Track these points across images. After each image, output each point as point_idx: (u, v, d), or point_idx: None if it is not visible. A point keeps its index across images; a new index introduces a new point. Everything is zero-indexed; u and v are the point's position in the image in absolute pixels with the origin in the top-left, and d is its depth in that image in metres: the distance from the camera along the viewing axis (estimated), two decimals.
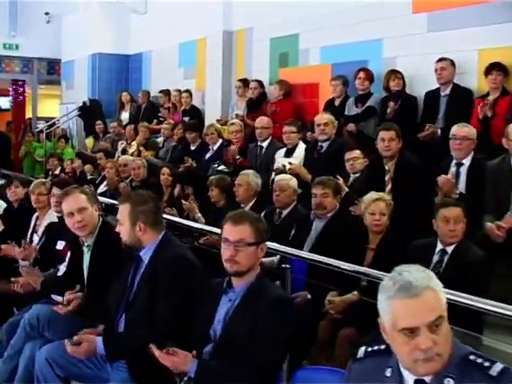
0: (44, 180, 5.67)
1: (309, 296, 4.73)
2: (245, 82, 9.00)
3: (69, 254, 4.47)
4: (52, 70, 14.40)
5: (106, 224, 4.00)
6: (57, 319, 3.74)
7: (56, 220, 5.31)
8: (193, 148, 8.46)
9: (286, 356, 3.20)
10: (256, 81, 8.73)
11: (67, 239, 4.62)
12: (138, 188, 7.42)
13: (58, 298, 4.34)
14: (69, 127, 12.70)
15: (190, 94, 9.91)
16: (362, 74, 7.27)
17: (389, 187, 5.38)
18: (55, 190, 5.04)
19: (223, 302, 3.16)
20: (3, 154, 10.38)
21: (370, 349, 2.31)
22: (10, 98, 17.39)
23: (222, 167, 7.47)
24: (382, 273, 4.02)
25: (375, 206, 4.65)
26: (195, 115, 9.79)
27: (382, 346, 2.25)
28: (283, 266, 3.91)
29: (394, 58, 7.35)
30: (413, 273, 2.06)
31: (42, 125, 15.03)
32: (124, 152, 9.73)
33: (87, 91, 12.36)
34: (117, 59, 12.20)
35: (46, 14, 13.80)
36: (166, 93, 10.68)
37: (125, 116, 11.26)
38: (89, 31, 12.28)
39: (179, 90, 10.21)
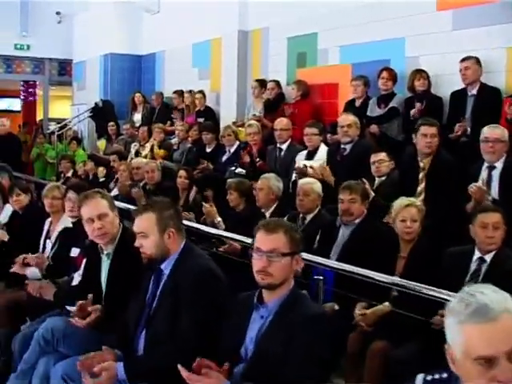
0: (58, 183, 5.43)
1: (336, 307, 4.48)
2: (261, 83, 8.76)
3: (84, 262, 4.24)
4: (63, 71, 14.18)
5: (126, 231, 3.75)
6: (73, 333, 3.49)
7: (70, 225, 5.08)
8: (208, 150, 8.22)
9: (323, 376, 2.94)
10: (273, 81, 8.48)
11: (83, 246, 4.40)
12: (152, 192, 7.21)
13: (73, 309, 4.12)
14: (80, 129, 12.47)
15: (204, 95, 9.67)
16: (385, 74, 7.01)
17: (422, 185, 5.17)
18: (71, 194, 4.80)
19: (254, 319, 2.92)
20: (14, 156, 10.14)
21: (429, 377, 2.04)
22: (21, 99, 17.29)
23: (239, 170, 7.23)
24: (414, 283, 3.81)
25: (406, 213, 4.40)
26: (210, 116, 9.56)
27: (444, 375, 1.99)
28: (315, 277, 3.64)
29: (417, 57, 7.09)
30: (488, 294, 1.81)
31: (53, 126, 14.89)
32: (137, 154, 9.51)
33: (99, 92, 12.14)
34: (129, 59, 11.98)
35: (58, 13, 13.59)
36: (180, 94, 10.44)
37: (137, 117, 11.03)
38: (100, 31, 12.06)
39: (190, 91, 9.97)
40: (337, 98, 8.03)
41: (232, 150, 7.72)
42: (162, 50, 11.43)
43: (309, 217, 5.28)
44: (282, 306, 2.85)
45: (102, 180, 8.63)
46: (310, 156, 6.58)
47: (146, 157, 9.28)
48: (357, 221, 4.84)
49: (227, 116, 9.31)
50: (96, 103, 11.81)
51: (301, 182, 5.37)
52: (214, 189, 6.51)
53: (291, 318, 2.79)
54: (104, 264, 3.74)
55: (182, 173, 6.84)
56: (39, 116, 17.53)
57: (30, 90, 17.28)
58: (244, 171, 7.16)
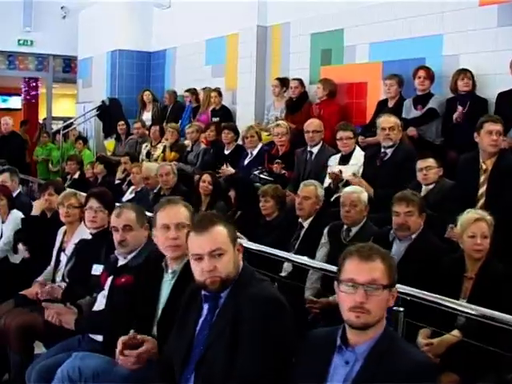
0: (74, 191, 4.81)
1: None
2: (282, 81, 8.16)
3: (109, 281, 3.64)
4: (67, 68, 13.52)
5: None
6: (107, 372, 2.90)
7: (89, 237, 4.47)
8: (227, 152, 7.60)
9: None
10: (296, 79, 7.89)
11: (106, 262, 3.81)
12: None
13: (99, 338, 3.53)
14: (86, 128, 11.83)
15: (220, 93, 9.07)
16: (422, 73, 6.43)
17: (483, 189, 4.60)
18: (93, 203, 4.19)
19: (337, 365, 2.34)
20: (19, 156, 9.50)
21: None
22: (22, 96, 16.65)
23: (264, 175, 6.63)
24: (485, 310, 3.23)
25: (476, 228, 3.82)
26: (226, 116, 8.95)
27: None
28: (394, 308, 3.05)
29: (456, 55, 6.52)
30: None
31: (56, 125, 14.29)
32: (148, 155, 8.90)
33: (106, 90, 11.50)
34: (138, 56, 11.34)
35: (62, 8, 12.92)
36: (193, 92, 9.83)
37: (147, 116, 10.41)
38: (108, 27, 11.43)
39: (205, 88, 9.37)
40: (365, 98, 7.46)
41: (255, 153, 7.12)
42: (173, 47, 10.80)
43: (354, 229, 4.70)
44: (374, 350, 2.28)
45: (117, 182, 7.99)
46: (344, 160, 6.00)
47: (157, 159, 8.68)
48: (413, 236, 4.25)
49: (244, 116, 8.72)
50: (103, 101, 11.18)
51: (346, 190, 4.78)
52: (238, 190, 5.90)
53: (387, 365, 2.22)
54: (165, 284, 3.15)
55: (206, 177, 6.22)
56: (41, 114, 16.90)
57: (32, 87, 16.70)
58: (270, 178, 6.55)
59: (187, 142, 8.67)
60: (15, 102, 18.38)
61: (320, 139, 6.38)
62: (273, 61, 8.66)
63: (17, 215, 5.49)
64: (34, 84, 16.65)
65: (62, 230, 4.75)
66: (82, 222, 4.66)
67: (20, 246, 5.03)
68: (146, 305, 3.19)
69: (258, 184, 6.50)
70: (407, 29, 6.94)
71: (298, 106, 7.83)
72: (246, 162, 7.15)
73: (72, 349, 3.58)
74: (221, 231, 2.63)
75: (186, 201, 6.29)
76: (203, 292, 2.69)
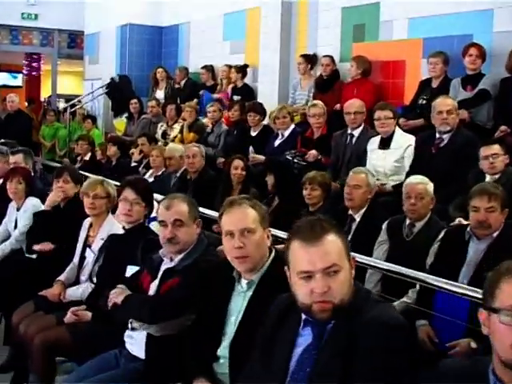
0: (101, 178, 4.15)
1: (473, 345, 3.28)
2: (308, 59, 7.50)
3: (154, 286, 3.04)
4: (73, 43, 12.74)
5: (277, 258, 2.61)
6: None
7: (119, 231, 3.85)
8: (254, 134, 6.94)
9: None
10: (328, 56, 7.22)
11: (146, 261, 3.19)
12: (196, 183, 5.96)
13: (141, 355, 2.94)
14: (94, 106, 11.13)
15: (242, 71, 8.41)
16: (473, 51, 5.77)
17: None
18: (128, 194, 3.55)
19: None
20: (25, 136, 8.81)
21: None
22: (24, 73, 15.94)
23: (298, 160, 6.00)
24: None
25: None
26: (248, 94, 8.30)
27: None
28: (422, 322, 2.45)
29: (509, 32, 5.84)
30: None
31: (62, 104, 13.60)
32: (164, 136, 8.24)
33: (115, 66, 10.79)
34: (149, 31, 10.61)
35: None
36: (209, 69, 9.16)
37: (159, 95, 9.72)
38: (117, 0, 10.65)
39: (229, 66, 8.69)
40: (403, 78, 6.80)
41: (286, 134, 6.46)
42: (187, 22, 10.08)
43: (419, 224, 4.08)
44: None
45: (133, 165, 7.32)
46: (384, 144, 5.37)
47: (174, 139, 8.03)
48: (494, 234, 3.63)
49: (267, 95, 8.05)
50: (112, 78, 10.47)
51: (411, 181, 4.14)
52: (277, 176, 5.26)
53: None
54: (238, 296, 2.62)
55: (238, 163, 5.58)
56: (44, 92, 16.17)
57: (34, 63, 15.96)
58: (304, 163, 5.92)
59: (206, 121, 8.03)
60: (16, 79, 17.64)
61: (362, 121, 5.75)
62: (298, 37, 7.98)
63: (33, 203, 4.85)
64: (37, 60, 15.96)
65: (86, 222, 4.11)
66: (110, 214, 4.05)
67: (35, 248, 4.39)
68: (209, 320, 2.60)
69: None
70: (452, 3, 6.27)
71: (328, 85, 7.19)
72: (276, 143, 6.50)
73: (109, 368, 3.00)
74: (335, 242, 2.02)
75: (214, 187, 5.74)
76: (304, 315, 2.08)
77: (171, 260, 3.06)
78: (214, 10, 9.32)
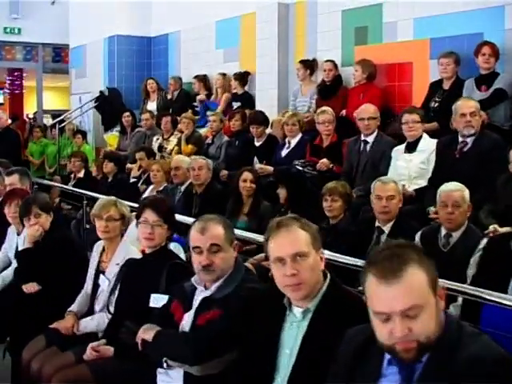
0: (113, 198, 3.79)
1: None
2: (307, 64, 7.21)
3: (188, 317, 2.71)
4: (58, 58, 12.36)
5: (335, 283, 2.34)
6: None
7: (137, 255, 3.51)
8: (258, 144, 6.63)
9: None
10: (330, 61, 6.94)
11: (178, 292, 2.86)
12: (202, 196, 5.63)
13: None
14: (83, 121, 10.75)
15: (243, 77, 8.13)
16: (486, 49, 5.53)
17: None
18: (150, 216, 3.22)
19: None
20: (14, 154, 8.41)
21: None
22: (6, 90, 15.54)
23: (308, 169, 5.70)
24: None
25: None
26: (248, 102, 8.00)
27: None
28: None
29: None
30: None
31: (48, 120, 13.20)
32: (161, 149, 7.89)
33: (103, 79, 10.42)
34: (137, 42, 10.25)
35: None
36: (202, 78, 8.84)
37: (151, 107, 9.38)
38: (103, 11, 10.29)
39: (223, 74, 8.40)
40: (410, 80, 6.54)
41: (294, 143, 6.16)
42: (177, 31, 9.75)
43: (456, 234, 3.79)
44: None
45: (132, 181, 6.97)
46: (410, 148, 5.10)
47: (171, 152, 7.70)
48: None
49: (265, 102, 7.75)
50: (101, 92, 10.10)
51: (447, 187, 3.85)
52: (290, 188, 4.95)
53: None
54: (292, 327, 2.30)
55: (247, 175, 5.25)
56: (27, 109, 15.73)
57: (17, 79, 15.55)
58: (315, 172, 5.63)
59: (204, 132, 7.72)
60: None
61: (376, 127, 5.45)
62: (297, 42, 7.70)
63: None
64: (19, 76, 15.55)
65: (98, 246, 3.76)
66: (124, 237, 3.71)
67: (24, 289, 4.01)
68: (257, 355, 2.28)
69: None
70: (460, 1, 6.03)
71: (332, 91, 6.90)
72: (283, 153, 6.20)
73: None
74: (417, 276, 1.72)
75: (222, 201, 5.41)
76: (388, 355, 1.77)
77: (206, 288, 2.73)
78: (205, 18, 9.01)
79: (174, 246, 3.73)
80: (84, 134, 9.91)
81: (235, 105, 8.07)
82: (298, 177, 5.14)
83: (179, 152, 7.58)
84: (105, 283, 3.59)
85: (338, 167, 5.70)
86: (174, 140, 7.90)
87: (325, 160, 5.67)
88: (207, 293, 2.71)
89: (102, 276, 3.63)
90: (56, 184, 7.55)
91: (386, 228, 4.18)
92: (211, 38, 9.01)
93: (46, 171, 10.24)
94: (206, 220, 2.72)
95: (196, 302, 2.74)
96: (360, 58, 6.78)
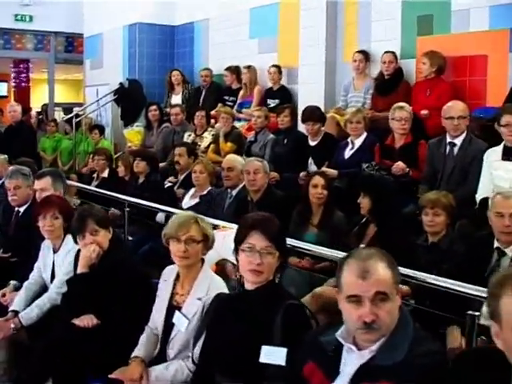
0: (192, 214, 2.94)
1: None
2: (365, 55, 6.42)
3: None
4: (70, 47, 11.45)
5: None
6: None
7: (224, 288, 2.71)
8: (313, 143, 5.81)
9: None
10: (390, 52, 6.13)
11: (315, 349, 2.09)
12: (260, 204, 4.81)
13: None
14: (99, 115, 9.89)
15: (280, 71, 7.31)
16: None
17: None
18: (257, 240, 2.42)
19: None
20: (29, 150, 7.55)
21: None
22: (13, 82, 14.63)
23: (380, 174, 4.89)
24: None
25: None
26: (286, 98, 7.19)
27: None
28: None
29: None
30: None
31: (59, 113, 12.37)
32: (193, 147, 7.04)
33: (122, 71, 9.56)
34: (160, 31, 9.39)
35: None
36: (234, 70, 8.01)
37: (176, 100, 8.54)
38: None
39: (249, 67, 7.62)
40: (484, 75, 5.74)
41: (358, 143, 5.37)
42: (204, 19, 8.90)
43: None
44: None
45: (168, 185, 6.14)
46: (509, 155, 4.29)
47: (206, 150, 6.89)
48: None
49: (309, 98, 6.89)
50: (121, 84, 9.24)
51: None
52: (374, 197, 4.13)
53: None
54: None
55: (318, 180, 4.44)
56: (33, 102, 14.79)
57: (23, 71, 14.61)
58: (388, 177, 4.82)
59: (240, 128, 6.95)
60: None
61: (465, 127, 4.65)
62: (347, 31, 6.87)
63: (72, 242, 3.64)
64: (25, 68, 14.62)
65: (169, 274, 2.94)
66: (206, 264, 2.89)
67: (76, 323, 3.16)
68: None
69: None
70: None
71: (391, 86, 6.09)
72: (346, 154, 5.39)
73: None
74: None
75: (284, 211, 4.60)
76: None
77: (359, 347, 1.93)
78: (238, 5, 8.19)
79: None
80: (102, 129, 9.04)
81: (272, 102, 7.25)
82: (383, 184, 4.31)
83: (216, 150, 6.77)
84: (182, 323, 2.78)
85: (415, 171, 4.90)
86: (208, 137, 7.10)
87: (400, 164, 4.87)
88: (366, 356, 1.91)
89: (177, 313, 2.82)
90: (81, 185, 6.63)
91: (510, 250, 3.38)
92: (244, 26, 8.17)
93: (60, 168, 9.35)
94: (365, 258, 1.93)
95: (348, 368, 1.94)
96: (423, 50, 5.99)
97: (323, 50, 6.89)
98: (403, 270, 3.10)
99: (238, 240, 2.46)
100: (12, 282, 4.11)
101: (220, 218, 4.71)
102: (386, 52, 6.14)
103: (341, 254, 3.15)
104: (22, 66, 14.54)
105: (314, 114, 5.77)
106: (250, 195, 4.92)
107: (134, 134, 8.68)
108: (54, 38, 11.16)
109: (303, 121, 5.80)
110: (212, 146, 6.85)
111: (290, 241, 3.41)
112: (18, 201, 4.75)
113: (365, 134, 5.40)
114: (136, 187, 6.37)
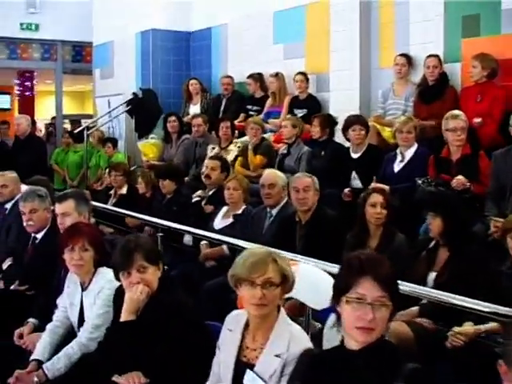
0: (269, 250, 2.39)
1: None
2: (408, 59, 5.93)
3: None
4: (78, 57, 10.94)
5: None
6: None
7: (307, 342, 2.18)
8: (355, 155, 5.30)
9: None
10: (435, 56, 5.64)
11: None
12: (311, 226, 4.29)
13: None
14: (111, 127, 9.38)
15: (307, 78, 6.80)
16: None
17: None
18: (370, 289, 1.90)
19: None
20: (40, 165, 7.04)
21: None
22: (18, 93, 14.17)
23: (438, 189, 4.37)
24: None
25: None
26: (314, 108, 6.69)
27: None
28: None
29: None
30: None
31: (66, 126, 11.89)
32: None
33: (136, 80, 9.05)
34: (175, 37, 8.89)
35: None
36: (257, 78, 7.51)
37: (194, 110, 8.05)
38: (134, 2, 8.93)
39: (277, 74, 7.11)
40: None
41: (409, 155, 4.86)
42: (223, 24, 8.40)
43: None
44: None
45: (196, 199, 5.58)
46: None
47: (233, 164, 6.37)
48: None
49: (342, 106, 6.41)
50: (134, 93, 8.73)
51: None
52: (447, 218, 3.60)
53: None
54: None
55: (377, 198, 3.91)
56: (38, 114, 14.28)
57: (27, 82, 14.13)
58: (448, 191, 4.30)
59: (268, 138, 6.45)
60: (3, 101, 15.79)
61: None
62: (382, 34, 6.39)
63: (109, 277, 3.08)
64: (29, 78, 14.15)
65: (236, 321, 2.41)
66: (283, 312, 2.36)
67: (126, 381, 2.58)
68: None
69: None
70: None
71: (437, 93, 5.59)
72: (396, 167, 4.88)
73: None
74: None
75: (337, 233, 4.08)
76: None
77: None
78: (260, 9, 7.70)
79: None
80: (115, 142, 8.52)
81: (299, 112, 6.74)
82: (456, 202, 3.79)
83: (244, 164, 6.26)
84: None
85: (477, 186, 4.39)
86: (234, 149, 6.58)
87: (461, 178, 4.35)
88: None
89: (250, 373, 2.28)
90: (104, 206, 6.02)
91: None
92: (268, 31, 7.67)
93: (68, 183, 8.85)
94: None
95: None
96: (469, 53, 5.50)
97: (357, 54, 6.41)
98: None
99: (342, 288, 1.94)
100: (30, 321, 3.59)
101: (260, 240, 4.19)
102: (429, 56, 5.64)
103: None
104: (26, 77, 14.10)
105: (360, 119, 5.27)
106: (297, 215, 4.38)
107: (149, 147, 8.15)
108: (61, 46, 10.64)
109: (347, 127, 5.28)
110: (239, 159, 6.34)
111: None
112: (35, 226, 4.22)
113: (415, 146, 4.89)
114: (160, 206, 5.86)
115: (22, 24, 10.17)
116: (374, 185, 4.68)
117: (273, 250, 2.43)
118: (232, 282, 2.33)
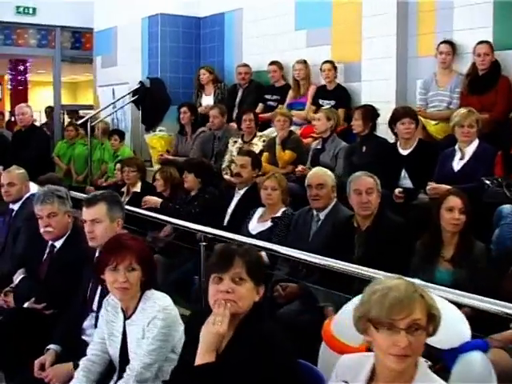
0: (414, 285, 1.83)
1: None
2: (453, 47, 5.40)
3: None
4: (78, 43, 10.25)
5: None
6: None
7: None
8: (405, 152, 4.75)
9: None
10: (486, 43, 5.11)
11: None
12: (372, 232, 3.75)
13: None
14: (115, 118, 8.75)
15: (335, 67, 6.25)
16: None
17: None
18: None
19: None
20: (42, 156, 6.43)
21: None
22: (10, 83, 13.56)
23: (509, 190, 3.86)
24: None
25: None
26: (343, 99, 6.16)
27: None
28: None
29: None
30: None
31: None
32: None
33: (142, 68, 8.43)
34: (185, 23, 8.27)
35: None
36: (280, 66, 6.94)
37: (208, 101, 7.46)
38: None
39: (303, 61, 6.55)
40: None
41: (470, 152, 4.33)
42: (237, 8, 7.80)
43: None
44: None
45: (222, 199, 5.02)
46: None
47: None
48: None
49: (376, 97, 5.86)
50: (141, 83, 8.11)
51: None
52: None
53: None
54: None
55: (455, 202, 3.37)
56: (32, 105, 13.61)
57: (20, 71, 13.48)
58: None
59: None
60: None
61: None
62: (421, 19, 5.84)
63: (163, 304, 2.55)
64: (23, 67, 13.50)
65: (353, 374, 1.86)
66: (421, 360, 1.81)
67: None
68: None
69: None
70: None
71: (488, 83, 5.06)
72: (456, 165, 4.35)
73: None
74: None
75: (403, 241, 3.54)
76: None
77: None
78: None
79: None
80: (121, 135, 7.90)
81: (325, 103, 6.19)
82: None
83: (271, 160, 5.70)
84: None
85: None
86: (258, 143, 6.02)
87: None
88: None
89: None
90: (135, 209, 5.33)
91: None
92: (289, 16, 7.09)
93: (73, 179, 8.22)
94: None
95: None
96: None
97: (393, 41, 5.86)
98: None
99: None
100: (52, 347, 3.03)
101: (305, 248, 3.66)
102: (480, 42, 5.10)
103: None
104: (19, 66, 13.44)
105: (409, 111, 4.73)
106: (355, 220, 3.83)
107: (157, 140, 7.58)
108: (59, 32, 9.93)
109: (395, 120, 4.73)
110: (265, 154, 5.77)
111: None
112: (54, 233, 3.65)
113: (477, 141, 4.36)
114: (180, 206, 5.29)
115: (18, 7, 9.45)
116: (432, 185, 4.14)
117: (413, 280, 1.88)
118: (360, 325, 1.77)
